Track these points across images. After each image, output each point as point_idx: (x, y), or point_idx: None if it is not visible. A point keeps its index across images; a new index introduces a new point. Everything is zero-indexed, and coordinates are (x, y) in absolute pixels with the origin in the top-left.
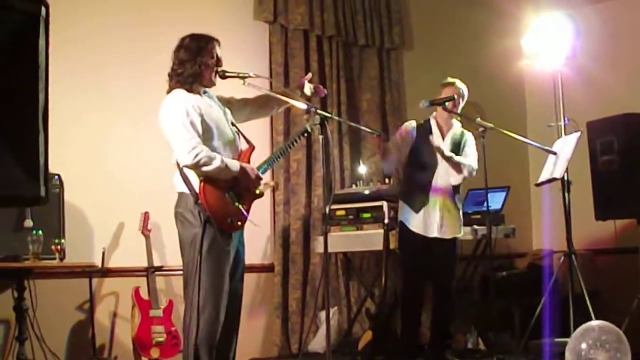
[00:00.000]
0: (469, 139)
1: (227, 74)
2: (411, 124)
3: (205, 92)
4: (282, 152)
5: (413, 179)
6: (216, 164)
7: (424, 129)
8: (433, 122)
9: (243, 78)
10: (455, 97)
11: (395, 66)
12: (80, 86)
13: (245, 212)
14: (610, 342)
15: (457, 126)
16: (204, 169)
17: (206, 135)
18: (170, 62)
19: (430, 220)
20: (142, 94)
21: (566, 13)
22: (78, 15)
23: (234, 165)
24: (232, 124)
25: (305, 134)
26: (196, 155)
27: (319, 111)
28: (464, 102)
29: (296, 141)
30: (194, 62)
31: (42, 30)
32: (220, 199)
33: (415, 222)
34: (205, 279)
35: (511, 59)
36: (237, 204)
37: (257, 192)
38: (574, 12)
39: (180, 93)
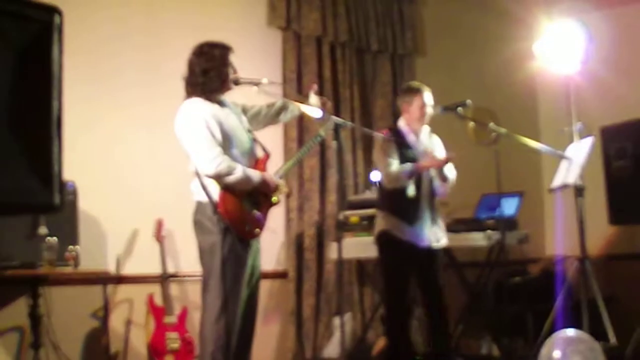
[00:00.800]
0: (438, 142)
1: (241, 81)
2: (382, 138)
3: (221, 101)
4: (298, 159)
5: (397, 190)
6: (237, 174)
7: (397, 137)
8: (405, 128)
9: (256, 84)
10: (469, 102)
11: (408, 72)
12: (93, 93)
13: (263, 219)
14: (584, 351)
15: (426, 130)
16: (226, 179)
17: (225, 144)
18: (184, 68)
19: (419, 231)
20: (156, 100)
21: (578, 19)
22: (91, 23)
23: (255, 175)
24: (248, 131)
25: (319, 139)
26: (218, 165)
27: (333, 117)
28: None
29: (311, 147)
30: (219, 72)
31: (55, 39)
32: (239, 208)
33: (405, 232)
34: (223, 286)
35: (523, 65)
36: (255, 211)
37: (274, 199)
38: (586, 18)
39: (198, 101)
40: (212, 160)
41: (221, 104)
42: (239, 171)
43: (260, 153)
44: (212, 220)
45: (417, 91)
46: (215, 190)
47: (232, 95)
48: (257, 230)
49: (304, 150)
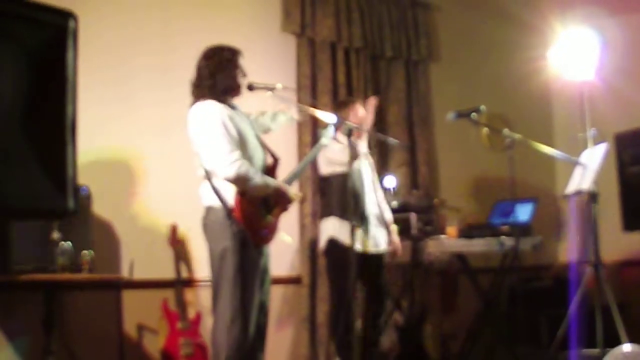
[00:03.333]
0: (371, 158)
1: (255, 86)
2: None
3: (231, 105)
4: (303, 167)
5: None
6: (257, 179)
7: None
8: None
9: (271, 90)
10: (483, 108)
11: (422, 78)
12: (107, 97)
13: (275, 226)
14: None
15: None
16: (246, 183)
17: (240, 147)
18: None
19: (367, 235)
20: (170, 104)
21: (593, 26)
22: (106, 27)
23: (271, 183)
24: (257, 136)
25: (322, 147)
26: (238, 168)
27: (347, 123)
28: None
29: (315, 154)
30: (228, 75)
31: (70, 43)
32: (253, 212)
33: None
34: (235, 292)
35: (538, 71)
36: (268, 217)
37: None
38: (600, 24)
39: (212, 103)
40: (233, 163)
41: (233, 107)
42: (258, 176)
43: (269, 159)
44: (223, 225)
45: (350, 101)
46: (229, 195)
47: (247, 101)
48: (270, 236)
49: (307, 159)
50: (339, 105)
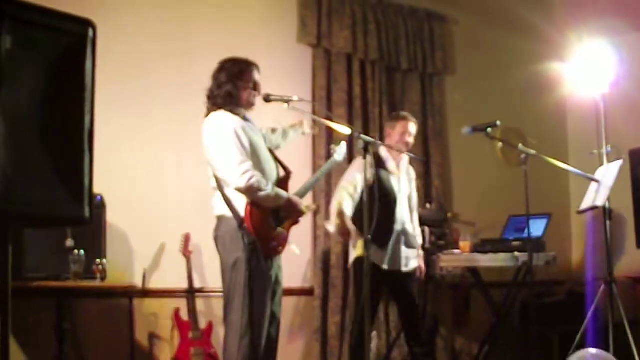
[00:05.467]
0: (413, 174)
1: (271, 98)
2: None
3: (245, 117)
4: (317, 180)
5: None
6: (268, 190)
7: (378, 162)
8: (386, 155)
9: (287, 102)
10: (499, 123)
11: (437, 91)
12: (123, 107)
13: (286, 237)
14: None
15: (406, 158)
16: (257, 194)
17: (253, 159)
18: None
19: (395, 254)
20: (184, 116)
21: (609, 40)
22: (123, 38)
23: (283, 195)
24: (269, 150)
25: (334, 164)
26: (250, 179)
27: (362, 136)
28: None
29: (328, 171)
30: (231, 85)
31: (89, 52)
32: (265, 224)
33: (380, 256)
34: (247, 303)
35: (553, 86)
36: (279, 229)
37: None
38: (617, 39)
39: (225, 114)
40: (245, 173)
41: (246, 119)
42: (270, 188)
43: (281, 172)
44: (235, 236)
45: (401, 117)
46: (240, 205)
47: (263, 113)
48: (280, 248)
49: (320, 174)
50: (391, 118)
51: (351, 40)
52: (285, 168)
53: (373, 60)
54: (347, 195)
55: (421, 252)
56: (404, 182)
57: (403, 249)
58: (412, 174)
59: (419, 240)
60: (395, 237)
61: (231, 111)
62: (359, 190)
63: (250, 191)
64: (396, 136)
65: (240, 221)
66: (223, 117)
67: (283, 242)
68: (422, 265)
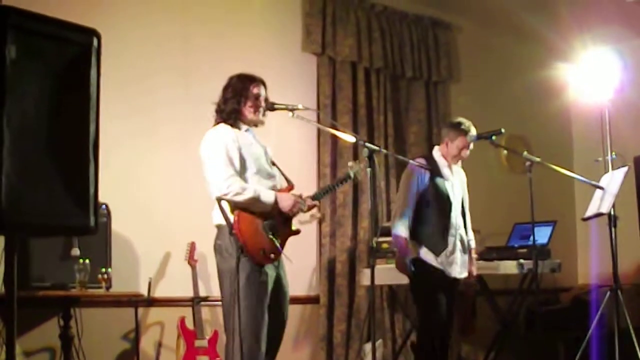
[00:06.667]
0: (464, 176)
1: (276, 106)
2: (419, 171)
3: (247, 130)
4: (324, 192)
5: (429, 221)
6: (248, 194)
7: (432, 166)
8: (440, 160)
9: (292, 110)
10: (503, 130)
11: (442, 99)
12: (126, 114)
13: (279, 246)
14: None
15: (459, 163)
16: (236, 198)
17: (243, 168)
18: (218, 91)
19: (452, 261)
20: (189, 123)
21: (614, 47)
22: (126, 44)
23: (268, 196)
24: (273, 162)
25: (348, 180)
26: (228, 186)
27: (367, 144)
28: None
29: (338, 186)
30: (235, 100)
31: (94, 61)
32: (255, 230)
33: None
34: (243, 310)
35: (558, 93)
36: (271, 236)
37: (294, 228)
38: (621, 46)
39: (222, 127)
40: (225, 180)
41: (245, 132)
42: (250, 192)
43: (284, 184)
44: (230, 244)
45: (464, 132)
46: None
47: (268, 121)
48: (272, 255)
49: (331, 187)
50: (452, 127)
51: (356, 48)
52: (288, 180)
53: (378, 68)
54: (399, 221)
55: (474, 255)
56: (457, 186)
57: (459, 255)
58: (463, 176)
59: (472, 244)
60: (452, 244)
61: (232, 125)
62: (411, 204)
63: (229, 197)
64: (454, 150)
65: (231, 227)
66: (216, 131)
67: (275, 250)
68: (472, 270)
